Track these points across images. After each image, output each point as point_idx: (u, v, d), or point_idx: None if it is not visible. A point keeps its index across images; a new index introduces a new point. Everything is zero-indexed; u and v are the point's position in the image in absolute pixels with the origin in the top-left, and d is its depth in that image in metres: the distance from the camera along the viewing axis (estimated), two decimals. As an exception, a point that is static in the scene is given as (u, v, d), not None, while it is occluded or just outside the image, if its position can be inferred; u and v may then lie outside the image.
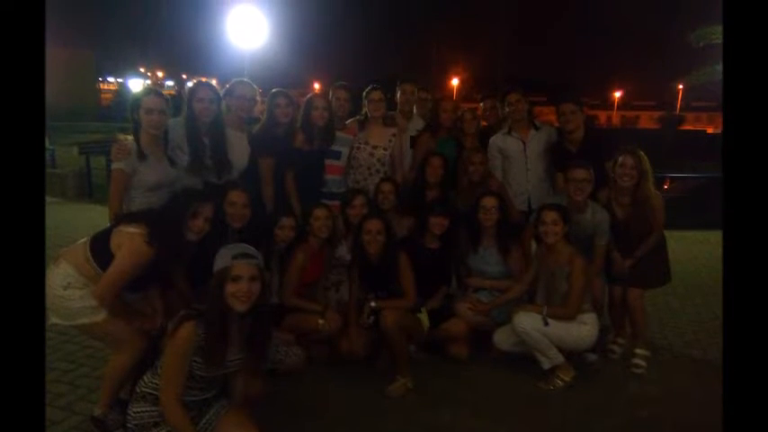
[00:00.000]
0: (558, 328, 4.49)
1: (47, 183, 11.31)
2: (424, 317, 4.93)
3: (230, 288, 3.04)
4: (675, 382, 4.71)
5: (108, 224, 3.73)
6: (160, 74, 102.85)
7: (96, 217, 9.75)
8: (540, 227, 4.61)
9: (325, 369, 4.68)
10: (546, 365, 4.56)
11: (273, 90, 5.26)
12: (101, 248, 3.47)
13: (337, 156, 5.50)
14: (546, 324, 4.47)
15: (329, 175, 5.50)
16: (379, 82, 6.00)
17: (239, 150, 4.85)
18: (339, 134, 5.48)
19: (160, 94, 4.23)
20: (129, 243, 3.40)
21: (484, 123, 6.34)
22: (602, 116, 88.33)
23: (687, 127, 63.61)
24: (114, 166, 4.08)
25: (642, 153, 4.82)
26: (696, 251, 9.70)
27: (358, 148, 5.61)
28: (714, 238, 10.11)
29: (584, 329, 4.56)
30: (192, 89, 4.68)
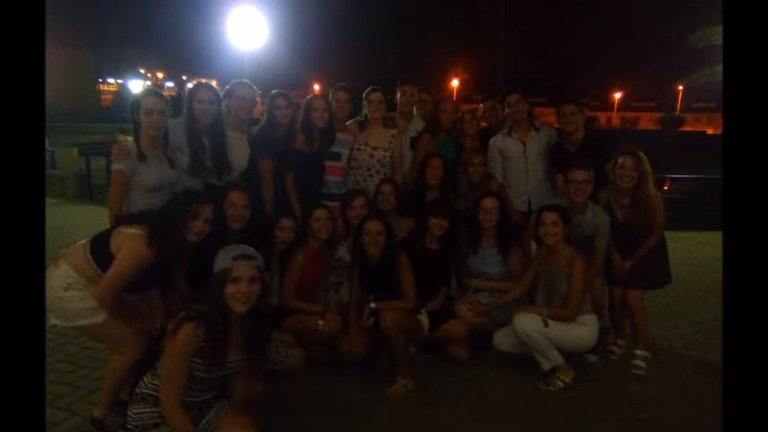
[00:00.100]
0: (557, 330, 4.49)
1: (47, 184, 11.31)
2: (423, 318, 4.92)
3: (230, 289, 3.04)
4: (675, 383, 4.71)
5: (108, 225, 3.73)
6: (160, 75, 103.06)
7: (96, 218, 9.75)
8: (540, 228, 4.61)
9: (325, 370, 4.67)
10: (546, 366, 4.56)
11: (273, 91, 5.26)
12: (101, 250, 3.47)
13: (337, 157, 5.50)
14: (546, 325, 4.47)
15: (329, 177, 5.50)
16: (379, 83, 6.00)
17: (239, 151, 4.85)
18: (339, 135, 5.48)
19: (160, 96, 4.23)
20: (130, 244, 3.40)
21: (484, 124, 6.36)
22: (602, 117, 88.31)
23: (687, 128, 63.63)
24: (114, 167, 4.08)
25: (642, 154, 4.82)
26: (696, 252, 9.70)
27: (358, 149, 5.62)
28: (714, 240, 10.10)
29: (584, 330, 4.56)
30: (191, 90, 4.69)
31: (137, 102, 4.15)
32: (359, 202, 5.06)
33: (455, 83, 78.63)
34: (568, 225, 4.59)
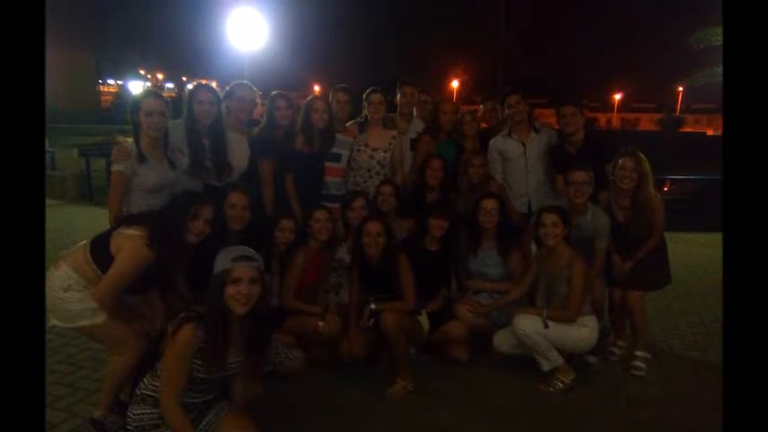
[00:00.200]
0: (557, 331, 4.49)
1: (47, 185, 11.31)
2: (423, 319, 4.93)
3: (230, 290, 3.04)
4: (675, 384, 4.71)
5: (108, 226, 3.73)
6: (160, 76, 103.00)
7: (96, 219, 9.75)
8: (540, 229, 4.61)
9: (325, 371, 4.67)
10: (546, 367, 4.56)
11: (273, 92, 5.27)
12: (101, 251, 3.47)
13: (337, 158, 5.50)
14: (546, 326, 4.47)
15: (329, 178, 5.50)
16: (380, 84, 6.00)
17: (239, 153, 4.85)
18: (339, 136, 5.48)
19: (160, 97, 4.23)
20: (130, 245, 3.39)
21: (484, 125, 6.36)
22: (602, 118, 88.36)
23: (687, 129, 63.66)
24: (114, 168, 4.07)
25: (642, 155, 4.83)
26: (696, 253, 9.69)
27: (358, 150, 5.62)
28: (714, 241, 10.10)
29: (584, 332, 4.56)
30: (191, 91, 4.69)
31: (137, 103, 4.14)
32: (359, 203, 5.07)
33: (455, 84, 78.66)
34: (568, 226, 4.59)
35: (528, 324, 4.51)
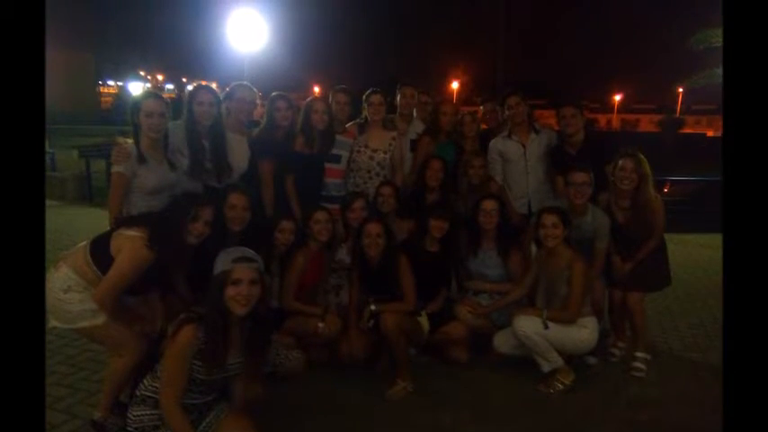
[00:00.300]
0: (558, 332, 4.49)
1: (47, 186, 11.32)
2: (423, 320, 4.93)
3: (230, 291, 3.04)
4: (675, 385, 4.71)
5: (108, 227, 3.73)
6: (160, 77, 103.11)
7: (96, 220, 9.75)
8: (540, 230, 4.61)
9: (325, 372, 4.67)
10: (546, 368, 4.56)
11: (273, 93, 5.27)
12: (101, 252, 3.47)
13: (337, 159, 5.50)
14: (546, 327, 4.47)
15: (329, 179, 5.50)
16: (380, 85, 6.01)
17: (239, 154, 4.85)
18: (339, 137, 5.49)
19: (160, 98, 4.23)
20: (130, 246, 3.40)
21: (484, 126, 6.35)
22: (602, 119, 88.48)
23: (687, 130, 63.67)
24: (114, 169, 4.07)
25: (642, 156, 4.83)
26: (696, 254, 9.70)
27: (358, 151, 5.62)
28: (714, 242, 10.10)
29: (584, 333, 4.56)
30: (191, 92, 4.70)
31: (137, 104, 4.14)
32: (359, 204, 5.07)
33: (455, 85, 78.67)
34: (568, 227, 4.59)
35: (528, 325, 4.50)
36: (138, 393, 3.16)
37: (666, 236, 5.05)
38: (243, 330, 3.18)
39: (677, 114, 76.92)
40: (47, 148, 14.42)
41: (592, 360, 4.96)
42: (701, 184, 15.95)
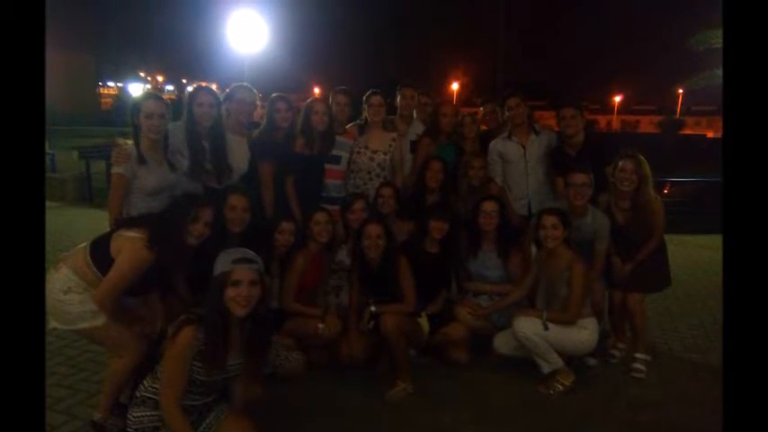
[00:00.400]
0: (558, 333, 4.49)
1: (47, 187, 11.32)
2: (424, 321, 4.93)
3: (230, 293, 3.04)
4: (675, 386, 4.70)
5: (108, 228, 3.72)
6: (160, 78, 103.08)
7: (96, 221, 9.75)
8: (540, 231, 4.61)
9: (325, 373, 4.67)
10: (546, 370, 4.56)
11: (273, 95, 5.27)
12: (101, 253, 3.47)
13: (337, 160, 5.50)
14: (546, 328, 4.47)
15: (329, 180, 5.50)
16: (380, 86, 6.01)
17: (239, 155, 4.85)
18: (339, 139, 5.48)
19: (160, 99, 4.23)
20: (130, 247, 3.40)
21: (484, 128, 6.35)
22: (602, 120, 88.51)
23: (687, 131, 63.70)
24: (114, 170, 4.07)
25: (642, 157, 4.83)
26: (696, 255, 9.69)
27: (358, 152, 5.61)
28: (714, 243, 10.09)
29: (584, 334, 4.56)
30: (191, 93, 4.70)
31: (137, 105, 4.14)
32: (359, 205, 5.06)
33: (455, 86, 78.74)
34: (568, 228, 4.59)
35: (528, 326, 4.51)
36: (137, 394, 3.16)
37: (666, 237, 5.04)
38: (243, 331, 3.18)
39: (677, 115, 77.06)
40: (47, 150, 14.41)
41: (592, 361, 4.95)
42: (700, 186, 15.95)
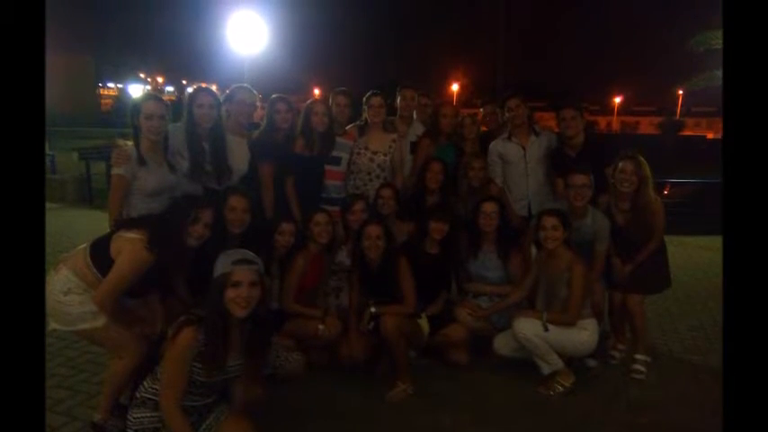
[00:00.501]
0: (558, 334, 4.49)
1: (47, 188, 11.31)
2: (424, 322, 4.93)
3: (230, 294, 3.04)
4: (675, 388, 4.70)
5: (108, 230, 3.72)
6: (160, 79, 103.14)
7: (96, 222, 9.74)
8: (540, 232, 4.61)
9: (325, 374, 4.67)
10: (546, 371, 4.56)
11: (273, 96, 5.28)
12: (101, 254, 3.47)
13: (337, 161, 5.51)
14: (546, 329, 4.47)
15: (329, 181, 5.50)
16: (380, 87, 6.02)
17: (239, 156, 4.85)
18: (339, 140, 5.49)
19: (160, 100, 4.23)
20: (130, 249, 3.40)
21: (484, 129, 6.36)
22: (602, 121, 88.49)
23: (687, 132, 63.71)
24: (114, 171, 4.08)
25: (642, 158, 4.83)
26: (696, 257, 9.69)
27: (358, 153, 5.62)
28: (714, 244, 10.09)
29: (584, 335, 4.56)
30: (191, 94, 4.70)
31: (137, 106, 4.15)
32: (359, 206, 5.06)
33: (455, 87, 78.79)
34: (568, 229, 4.59)
35: (528, 327, 4.51)
36: (138, 395, 3.16)
37: (666, 238, 5.04)
38: (243, 332, 3.18)
39: (677, 116, 77.08)
40: (47, 151, 14.40)
41: (592, 362, 4.95)
42: (700, 187, 15.95)
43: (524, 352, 4.61)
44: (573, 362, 4.71)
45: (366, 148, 5.63)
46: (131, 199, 4.11)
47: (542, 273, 4.79)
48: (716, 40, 18.09)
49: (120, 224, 3.65)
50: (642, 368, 4.87)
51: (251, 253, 3.22)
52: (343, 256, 5.11)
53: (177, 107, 5.34)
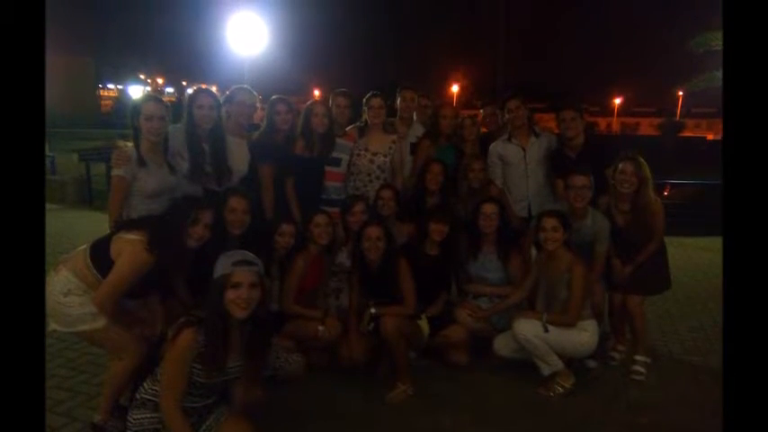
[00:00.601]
0: (557, 335, 4.49)
1: (47, 189, 11.31)
2: (424, 323, 4.92)
3: (230, 295, 3.04)
4: (675, 389, 4.70)
5: (108, 231, 3.72)
6: (160, 80, 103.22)
7: (96, 224, 9.73)
8: (540, 233, 4.61)
9: (325, 376, 4.67)
10: (546, 372, 4.56)
11: (273, 97, 5.28)
12: (101, 255, 3.47)
13: (337, 162, 5.51)
14: (546, 331, 4.47)
15: (329, 182, 5.50)
16: (380, 89, 6.01)
17: (239, 157, 4.85)
18: (339, 141, 5.49)
19: (160, 101, 4.23)
20: (130, 250, 3.40)
21: (484, 130, 6.36)
22: (602, 123, 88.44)
23: (687, 133, 63.70)
24: (114, 172, 4.08)
25: (642, 160, 4.83)
26: (696, 258, 9.70)
27: (358, 154, 5.62)
28: (714, 245, 10.09)
29: (584, 336, 4.56)
30: (191, 96, 4.70)
31: (137, 107, 4.15)
32: (359, 207, 5.06)
33: (455, 88, 78.74)
34: (568, 230, 4.59)
35: (528, 328, 4.50)
36: (138, 396, 3.16)
37: (666, 239, 5.04)
38: (243, 334, 3.18)
39: (677, 118, 77.00)
40: (47, 152, 14.41)
41: (592, 363, 4.95)
42: (700, 188, 15.94)
43: (524, 353, 4.61)
44: (573, 363, 4.71)
45: (366, 150, 5.63)
46: (131, 200, 4.11)
47: (542, 274, 4.79)
48: (716, 41, 18.10)
49: (121, 225, 3.65)
50: (642, 369, 4.87)
51: (251, 254, 3.22)
52: (343, 258, 5.11)
53: (177, 108, 5.34)
